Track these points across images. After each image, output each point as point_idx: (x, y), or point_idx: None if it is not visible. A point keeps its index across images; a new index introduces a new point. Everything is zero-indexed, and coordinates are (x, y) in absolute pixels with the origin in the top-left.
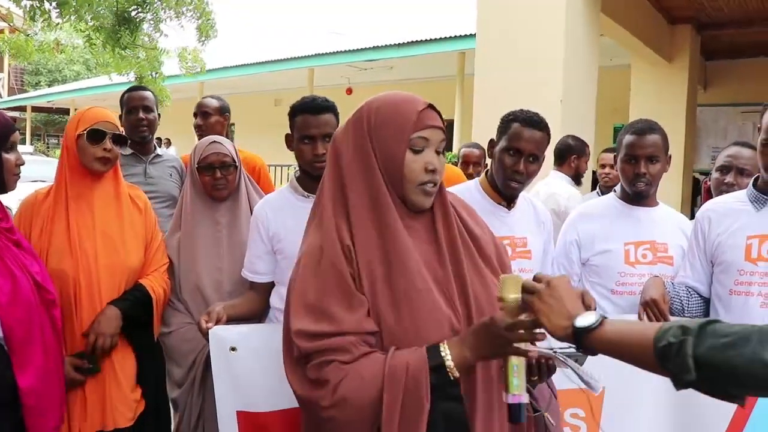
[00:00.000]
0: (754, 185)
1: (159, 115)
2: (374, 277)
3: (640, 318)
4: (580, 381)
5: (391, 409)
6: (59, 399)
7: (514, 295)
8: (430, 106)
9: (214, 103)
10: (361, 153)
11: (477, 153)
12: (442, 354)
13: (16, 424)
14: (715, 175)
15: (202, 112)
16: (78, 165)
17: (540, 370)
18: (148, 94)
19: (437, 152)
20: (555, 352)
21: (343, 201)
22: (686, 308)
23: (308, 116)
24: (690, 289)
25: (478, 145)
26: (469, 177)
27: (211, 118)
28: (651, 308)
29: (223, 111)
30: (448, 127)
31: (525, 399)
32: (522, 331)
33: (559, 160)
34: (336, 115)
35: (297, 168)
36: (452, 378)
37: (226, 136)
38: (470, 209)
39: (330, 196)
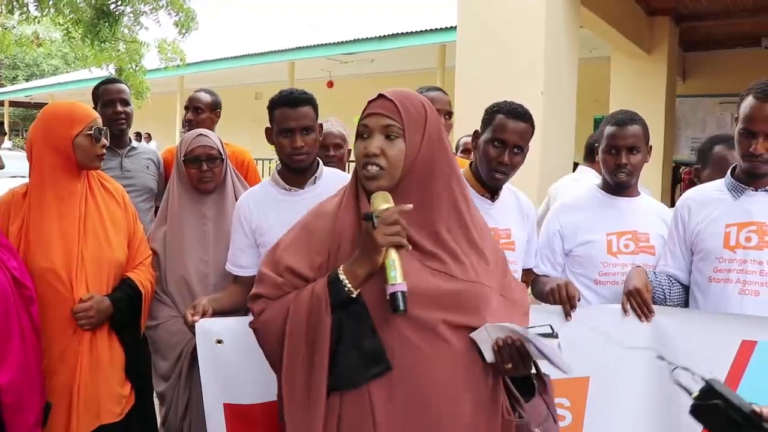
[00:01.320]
0: (732, 174)
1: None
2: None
3: (623, 307)
4: (549, 361)
5: (296, 325)
6: (39, 395)
7: (383, 206)
8: (381, 96)
9: (207, 98)
10: None
11: None
12: (339, 274)
13: None
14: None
15: (194, 107)
16: (68, 164)
17: (511, 355)
18: (123, 86)
19: (388, 137)
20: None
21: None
22: (668, 297)
23: (286, 109)
24: (671, 278)
25: None
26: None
27: (203, 114)
28: (634, 297)
29: (215, 107)
30: None
31: (403, 288)
32: (390, 227)
33: (591, 155)
34: (315, 107)
35: (278, 162)
36: (351, 293)
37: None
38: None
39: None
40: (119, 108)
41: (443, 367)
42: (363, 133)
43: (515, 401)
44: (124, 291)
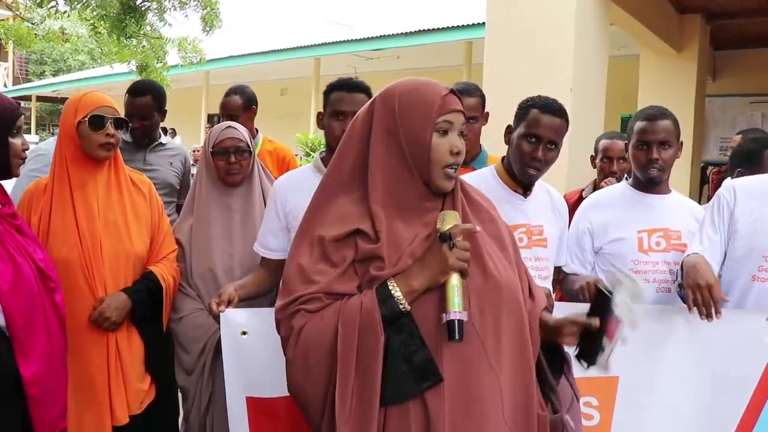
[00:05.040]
0: None
1: (164, 110)
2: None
3: (688, 303)
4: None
5: (347, 343)
6: (63, 388)
7: (453, 224)
8: (452, 91)
9: (237, 101)
10: (388, 136)
11: None
12: (390, 288)
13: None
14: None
15: (227, 114)
16: (79, 153)
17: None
18: (145, 100)
19: (461, 134)
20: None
21: (363, 181)
22: None
23: (343, 93)
24: None
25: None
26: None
27: (237, 120)
28: (702, 292)
29: (248, 105)
30: None
31: (464, 317)
32: (464, 252)
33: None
34: (370, 97)
35: (322, 150)
36: (403, 310)
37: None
38: (486, 198)
39: (349, 175)
40: (136, 124)
41: (486, 368)
42: (445, 129)
43: (549, 389)
44: (143, 284)
